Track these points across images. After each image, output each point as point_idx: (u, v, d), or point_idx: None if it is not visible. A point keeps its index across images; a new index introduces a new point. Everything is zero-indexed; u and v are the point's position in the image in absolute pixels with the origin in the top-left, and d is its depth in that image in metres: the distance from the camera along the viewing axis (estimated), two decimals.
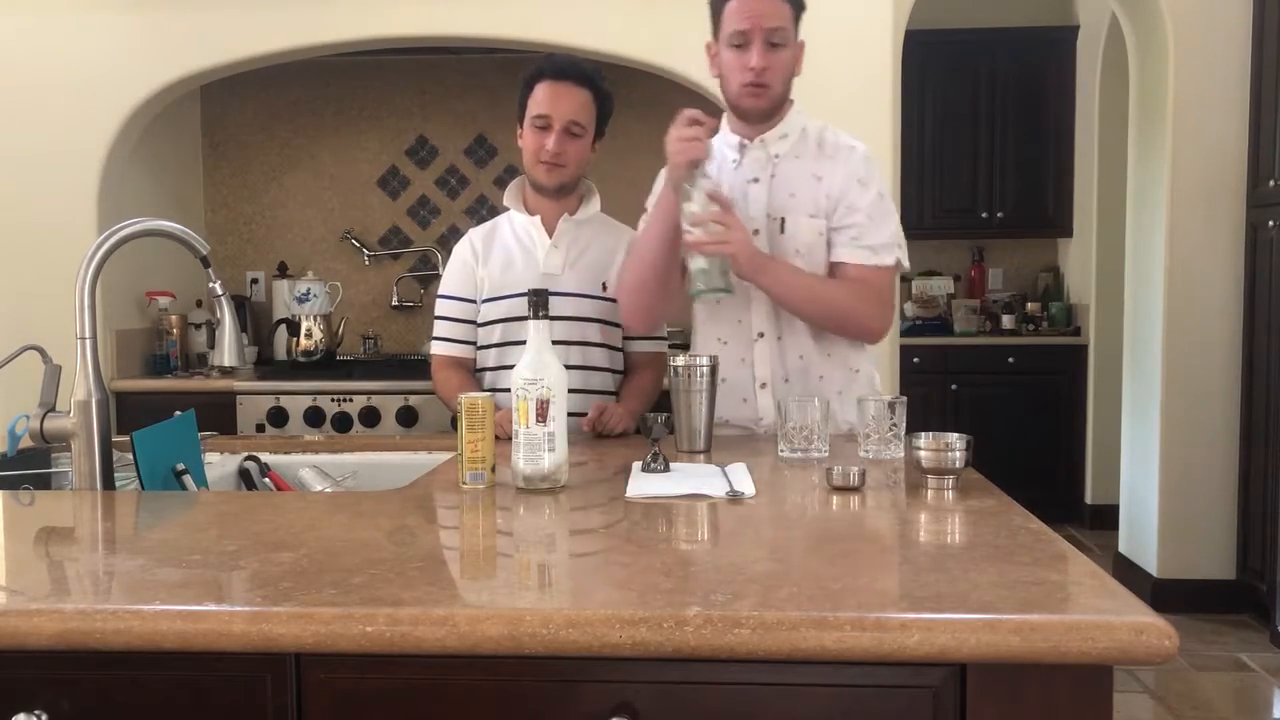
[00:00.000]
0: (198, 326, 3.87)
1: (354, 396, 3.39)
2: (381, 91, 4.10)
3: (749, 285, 1.95)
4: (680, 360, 1.87)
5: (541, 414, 1.48)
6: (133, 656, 0.99)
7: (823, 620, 0.93)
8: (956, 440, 1.50)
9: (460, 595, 1.04)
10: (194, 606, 0.98)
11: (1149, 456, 3.89)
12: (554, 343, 2.03)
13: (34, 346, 1.69)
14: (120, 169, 3.53)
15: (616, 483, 1.57)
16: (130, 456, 1.59)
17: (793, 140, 2.02)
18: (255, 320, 4.06)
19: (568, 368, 2.12)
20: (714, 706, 0.98)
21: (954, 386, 5.09)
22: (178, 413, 1.74)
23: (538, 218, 2.20)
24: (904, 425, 1.73)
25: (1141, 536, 3.98)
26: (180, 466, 1.66)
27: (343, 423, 3.37)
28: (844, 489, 1.48)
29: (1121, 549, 4.18)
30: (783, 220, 1.97)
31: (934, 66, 5.14)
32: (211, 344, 3.78)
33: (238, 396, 3.41)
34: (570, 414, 2.08)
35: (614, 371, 2.22)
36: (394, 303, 4.10)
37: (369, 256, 4.11)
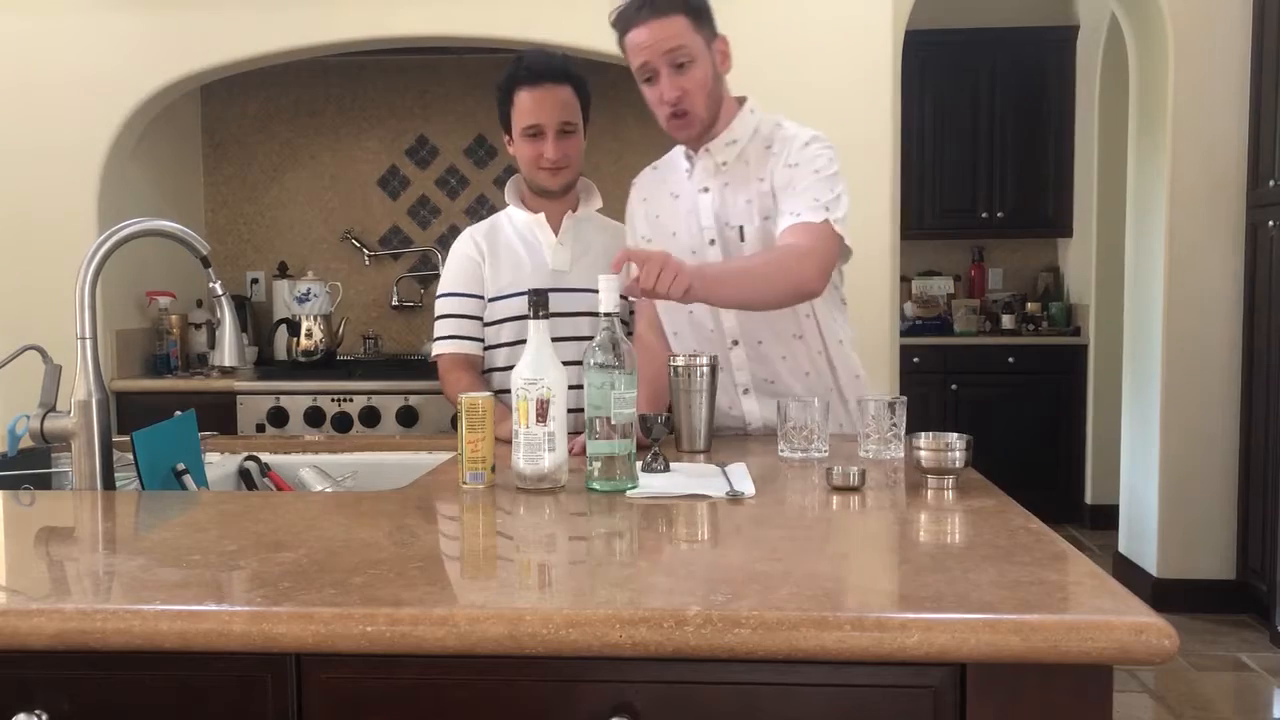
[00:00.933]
0: (198, 326, 3.87)
1: (354, 396, 3.39)
2: (381, 91, 4.10)
3: None
4: (680, 360, 1.87)
5: (541, 414, 1.48)
6: (133, 656, 0.99)
7: (823, 620, 0.93)
8: (956, 440, 1.50)
9: (460, 595, 1.04)
10: (194, 606, 0.98)
11: (1149, 456, 3.89)
12: (569, 339, 2.05)
13: (34, 346, 1.69)
14: (120, 169, 3.53)
15: None
16: (130, 456, 1.59)
17: (742, 145, 1.96)
18: (255, 320, 4.06)
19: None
20: (714, 706, 0.98)
21: (954, 386, 5.09)
22: (178, 413, 1.74)
23: (541, 215, 2.20)
24: (904, 425, 1.73)
25: (1141, 536, 3.98)
26: (180, 466, 1.66)
27: (343, 423, 3.37)
28: (844, 489, 1.48)
29: (1121, 549, 4.18)
30: (741, 229, 1.94)
31: (934, 66, 5.14)
32: (211, 344, 3.79)
33: (238, 396, 3.41)
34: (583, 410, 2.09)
35: None
36: (394, 303, 4.11)
37: (369, 256, 4.11)
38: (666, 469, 1.62)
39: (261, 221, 4.16)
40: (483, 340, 2.20)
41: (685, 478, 1.57)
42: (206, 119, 4.14)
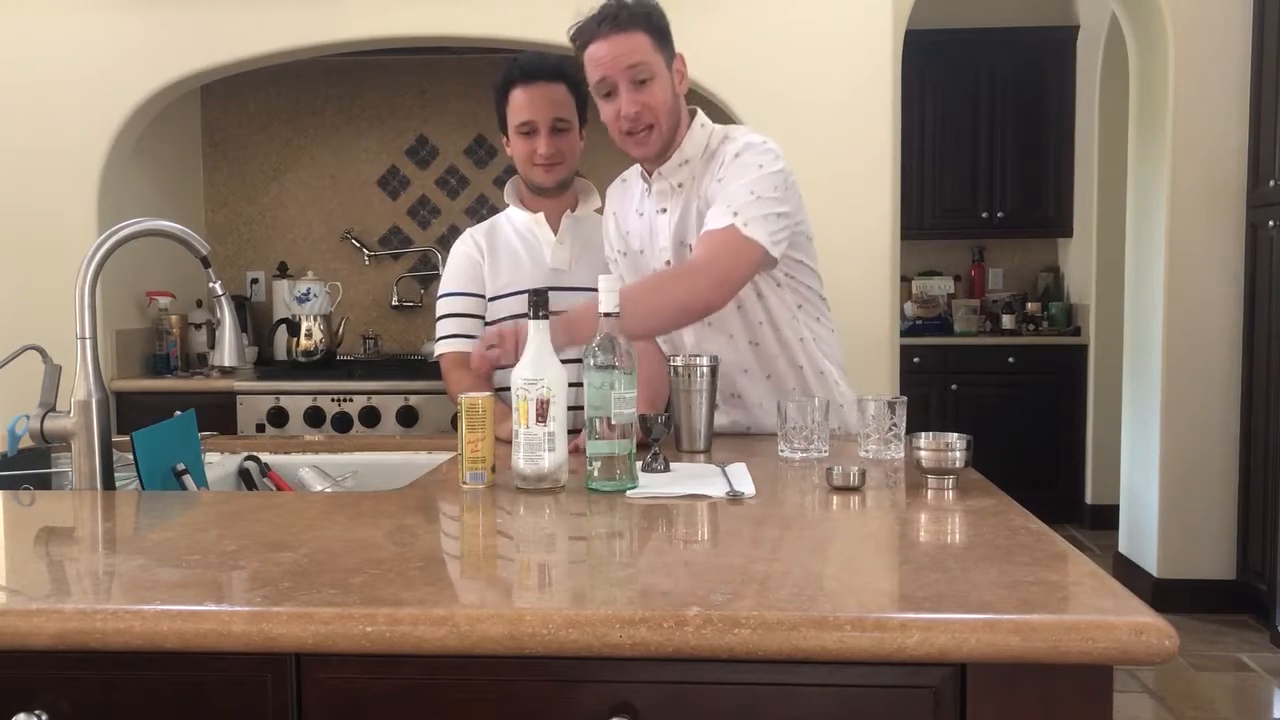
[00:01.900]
0: (198, 326, 3.87)
1: (354, 396, 3.39)
2: (381, 91, 4.10)
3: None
4: (680, 360, 1.87)
5: (541, 414, 1.48)
6: (133, 656, 0.99)
7: (823, 620, 0.93)
8: (956, 440, 1.50)
9: (460, 595, 1.04)
10: (194, 606, 0.98)
11: (1149, 456, 3.89)
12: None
13: (34, 346, 1.69)
14: (120, 169, 3.53)
15: None
16: (130, 456, 1.59)
17: (693, 163, 1.93)
18: (255, 320, 4.06)
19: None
20: (714, 706, 0.98)
21: (954, 386, 5.09)
22: (178, 413, 1.74)
23: (540, 215, 2.20)
24: (904, 425, 1.73)
25: (1141, 536, 3.98)
26: (180, 466, 1.66)
27: (343, 423, 3.37)
28: (844, 489, 1.48)
29: (1121, 549, 4.18)
30: (690, 248, 1.92)
31: (934, 66, 5.14)
32: (211, 344, 3.78)
33: (238, 396, 3.41)
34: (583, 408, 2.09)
35: None
36: (394, 303, 4.11)
37: (369, 256, 4.11)
38: (666, 469, 1.62)
39: (261, 221, 4.16)
40: None
41: (685, 478, 1.57)
42: (206, 119, 4.14)
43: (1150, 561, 3.89)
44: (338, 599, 0.99)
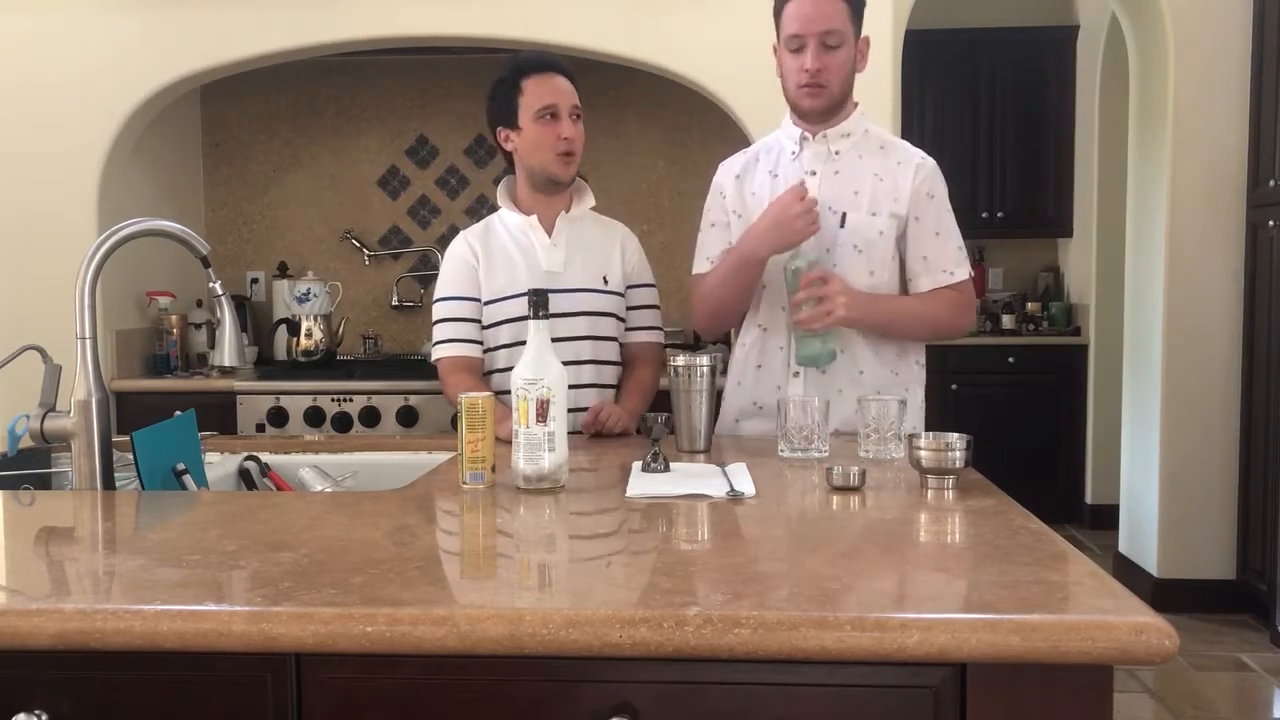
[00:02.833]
0: (198, 326, 3.87)
1: (354, 396, 3.39)
2: (381, 91, 4.10)
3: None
4: (680, 360, 1.87)
5: (541, 414, 1.48)
6: (133, 656, 0.99)
7: (823, 620, 0.93)
8: (956, 440, 1.50)
9: (460, 595, 1.04)
10: (194, 606, 0.98)
11: (1149, 456, 3.89)
12: (568, 339, 2.06)
13: (34, 346, 1.69)
14: (120, 169, 3.53)
15: (616, 483, 1.57)
16: (130, 456, 1.59)
17: (855, 139, 2.08)
18: (255, 320, 4.06)
19: (583, 362, 2.13)
20: (714, 706, 0.98)
21: (954, 386, 5.09)
22: (178, 413, 1.74)
23: (534, 217, 2.19)
24: (904, 425, 1.73)
25: (1141, 536, 3.98)
26: (180, 466, 1.66)
27: (343, 423, 3.37)
28: (844, 489, 1.48)
29: (1121, 549, 4.18)
30: (844, 215, 2.01)
31: (934, 66, 5.13)
32: (211, 344, 3.78)
33: (238, 396, 3.41)
34: (584, 409, 2.09)
35: (618, 364, 2.22)
36: (394, 303, 4.11)
37: (369, 256, 4.11)
38: (666, 469, 1.62)
39: (261, 221, 4.16)
40: (482, 343, 2.19)
41: (685, 478, 1.57)
42: (206, 119, 4.14)
43: (1150, 561, 3.89)
44: (338, 599, 0.99)
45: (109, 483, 1.61)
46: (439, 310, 2.21)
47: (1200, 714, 2.99)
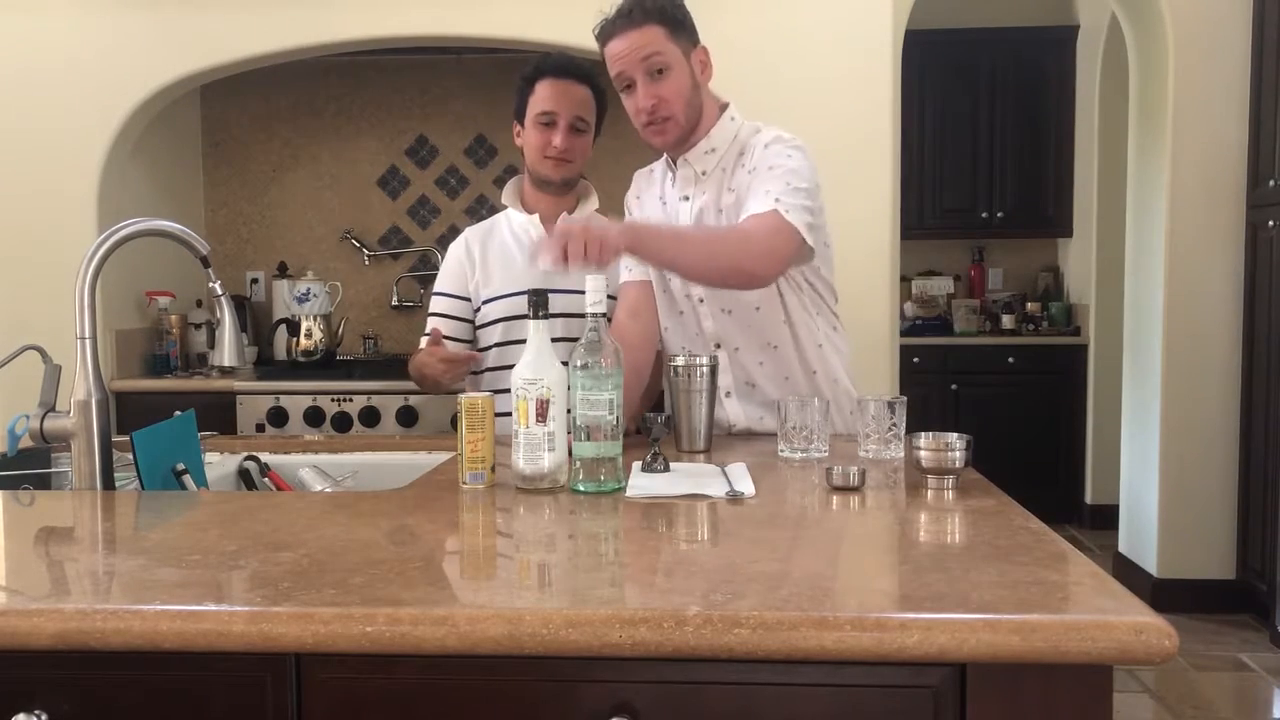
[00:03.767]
0: (198, 326, 3.87)
1: (354, 396, 3.39)
2: (381, 91, 4.10)
3: (698, 296, 1.94)
4: (680, 360, 1.87)
5: (541, 414, 1.48)
6: (133, 656, 0.99)
7: (823, 620, 0.93)
8: (956, 440, 1.50)
9: (460, 595, 1.04)
10: (194, 606, 0.98)
11: (1149, 456, 3.89)
12: (560, 340, 2.06)
13: (34, 346, 1.69)
14: (120, 169, 3.53)
15: None
16: (130, 456, 1.59)
17: (720, 153, 1.95)
18: (255, 320, 4.06)
19: None
20: (714, 706, 0.98)
21: (954, 386, 5.09)
22: (178, 413, 1.74)
23: (536, 216, 2.22)
24: (904, 425, 1.73)
25: (1141, 536, 3.98)
26: (180, 466, 1.66)
27: (343, 423, 3.37)
28: (844, 489, 1.48)
29: (1121, 549, 4.18)
30: None
31: (934, 66, 5.13)
32: (211, 344, 3.78)
33: (238, 396, 3.41)
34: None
35: None
36: (394, 303, 4.11)
37: (369, 256, 4.11)
38: (666, 469, 1.62)
39: (261, 221, 4.16)
40: (468, 341, 2.25)
41: (685, 478, 1.57)
42: (206, 119, 4.14)
43: (1150, 561, 3.89)
44: (338, 599, 0.99)
45: (109, 483, 1.61)
46: (431, 303, 2.30)
47: (1200, 714, 2.99)
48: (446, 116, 4.09)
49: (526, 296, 1.54)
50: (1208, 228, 3.75)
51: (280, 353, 3.80)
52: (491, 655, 0.95)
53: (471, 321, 2.27)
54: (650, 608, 0.95)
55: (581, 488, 1.49)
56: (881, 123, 3.23)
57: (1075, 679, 0.94)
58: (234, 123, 4.13)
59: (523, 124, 2.19)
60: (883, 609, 0.96)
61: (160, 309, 3.77)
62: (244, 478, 1.97)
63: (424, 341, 2.19)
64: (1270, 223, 3.55)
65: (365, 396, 3.38)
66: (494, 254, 2.23)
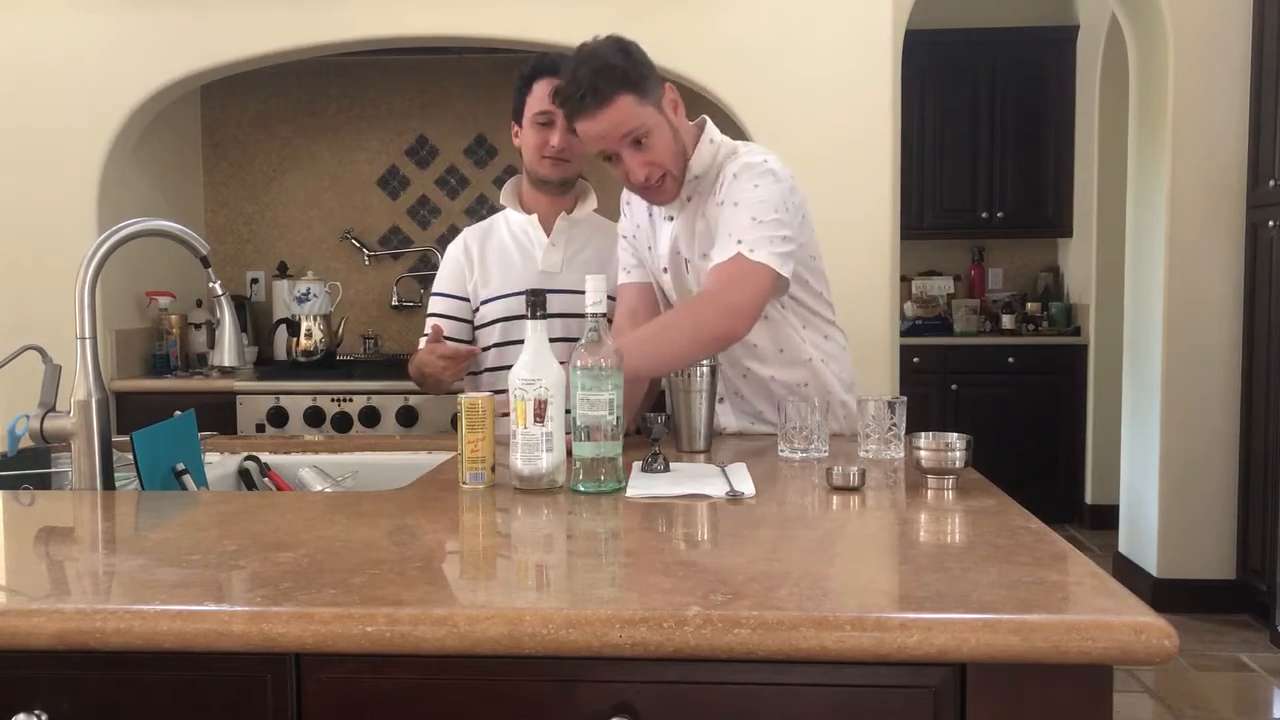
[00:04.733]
0: (198, 326, 3.87)
1: (354, 396, 3.39)
2: (381, 91, 4.10)
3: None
4: None
5: (539, 414, 1.48)
6: (133, 656, 0.99)
7: (823, 620, 0.93)
8: (956, 440, 1.50)
9: (460, 595, 1.04)
10: (194, 606, 0.98)
11: (1149, 456, 3.89)
12: (558, 340, 2.06)
13: (34, 346, 1.69)
14: (120, 169, 3.53)
15: None
16: (130, 456, 1.59)
17: (702, 179, 1.92)
18: (255, 320, 4.06)
19: None
20: (714, 706, 0.98)
21: (954, 386, 5.09)
22: (178, 413, 1.74)
23: (534, 216, 2.21)
24: (904, 425, 1.73)
25: (1141, 536, 3.98)
26: (180, 466, 1.66)
27: (343, 423, 3.37)
28: (844, 489, 1.48)
29: (1121, 549, 4.18)
30: (686, 261, 1.96)
31: (934, 66, 5.13)
32: (211, 344, 3.78)
33: (238, 396, 3.41)
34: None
35: None
36: (394, 303, 4.10)
37: (369, 256, 4.11)
38: (666, 469, 1.62)
39: (261, 221, 4.16)
40: (467, 342, 2.25)
41: (685, 478, 1.57)
42: (206, 119, 4.14)
43: (1150, 561, 3.89)
44: (338, 599, 0.99)
45: (109, 483, 1.61)
46: (430, 304, 2.31)
47: (1200, 714, 2.99)
48: (446, 116, 4.09)
49: (524, 297, 1.54)
50: (1208, 228, 3.75)
51: (280, 353, 3.80)
52: (491, 655, 0.95)
53: (470, 321, 2.27)
54: (650, 608, 0.95)
55: (581, 488, 1.50)
56: (881, 123, 3.23)
57: (1075, 679, 0.94)
58: (234, 123, 4.13)
59: (521, 124, 2.18)
60: (883, 609, 0.96)
61: (160, 309, 3.77)
62: (244, 478, 1.97)
63: (423, 341, 2.19)
64: (1270, 223, 3.55)
65: (365, 396, 3.38)
66: (492, 254, 2.23)
